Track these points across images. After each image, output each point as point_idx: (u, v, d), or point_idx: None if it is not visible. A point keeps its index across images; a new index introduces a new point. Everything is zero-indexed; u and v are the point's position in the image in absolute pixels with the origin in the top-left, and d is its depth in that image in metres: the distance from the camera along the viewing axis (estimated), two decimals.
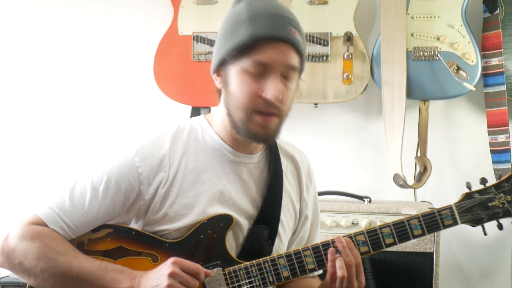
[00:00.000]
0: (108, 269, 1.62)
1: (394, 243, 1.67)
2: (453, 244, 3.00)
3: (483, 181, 1.70)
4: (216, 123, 1.73)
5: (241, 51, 1.59)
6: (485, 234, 1.71)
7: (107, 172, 1.66)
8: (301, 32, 1.64)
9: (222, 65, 1.65)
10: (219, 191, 1.70)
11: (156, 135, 1.71)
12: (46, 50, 3.28)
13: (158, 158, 1.67)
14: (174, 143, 1.70)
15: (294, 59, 1.61)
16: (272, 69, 1.59)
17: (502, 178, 1.69)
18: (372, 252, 1.67)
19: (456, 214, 1.67)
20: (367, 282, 2.57)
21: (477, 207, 1.68)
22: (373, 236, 1.67)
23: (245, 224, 1.73)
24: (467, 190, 1.70)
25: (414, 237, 1.67)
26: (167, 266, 1.57)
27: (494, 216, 1.68)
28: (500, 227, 1.70)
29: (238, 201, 1.72)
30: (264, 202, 1.75)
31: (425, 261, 2.59)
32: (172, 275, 1.55)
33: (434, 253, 2.58)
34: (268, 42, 1.58)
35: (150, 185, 1.66)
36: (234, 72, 1.62)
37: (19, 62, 3.30)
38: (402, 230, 1.67)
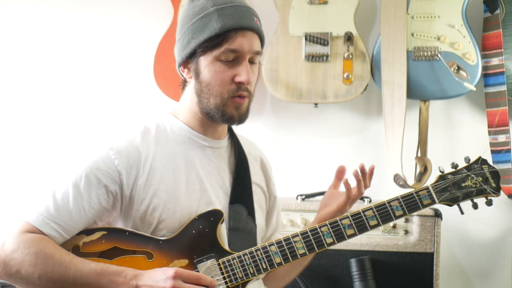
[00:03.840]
0: (103, 272, 1.64)
1: (378, 225, 1.78)
2: (453, 244, 3.00)
3: (454, 165, 1.83)
4: (182, 114, 1.83)
5: (213, 42, 1.71)
6: (462, 213, 1.82)
7: (85, 169, 1.71)
8: (260, 20, 1.79)
9: (191, 57, 1.76)
10: (196, 175, 1.77)
11: (125, 133, 1.78)
12: (46, 50, 3.28)
13: (132, 150, 1.73)
14: (144, 138, 1.77)
15: (259, 45, 1.78)
16: (242, 55, 1.74)
17: (471, 161, 1.83)
18: (358, 234, 1.77)
19: (433, 193, 1.79)
20: (367, 282, 2.57)
21: (451, 187, 1.80)
22: (358, 219, 1.78)
23: (224, 206, 1.80)
24: (440, 173, 1.82)
25: (396, 217, 1.79)
26: (168, 279, 1.61)
27: (468, 194, 1.80)
28: (475, 206, 1.81)
29: (214, 184, 1.80)
30: (234, 182, 1.84)
31: (425, 261, 2.59)
32: None
33: (434, 253, 2.59)
34: (237, 31, 1.72)
35: (128, 176, 1.71)
36: (206, 62, 1.74)
37: (18, 63, 3.30)
38: (384, 211, 1.78)
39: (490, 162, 2.83)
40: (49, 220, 1.67)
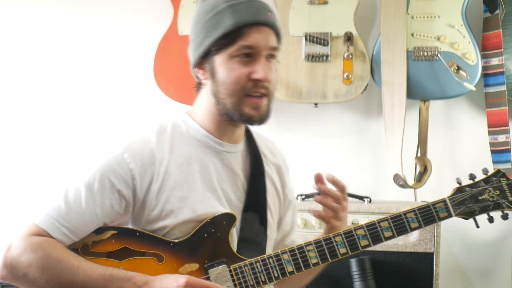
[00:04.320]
0: (113, 278, 1.60)
1: (392, 236, 1.74)
2: (453, 244, 3.00)
3: (472, 176, 1.78)
4: (199, 116, 1.76)
5: (228, 39, 1.65)
6: (477, 226, 1.77)
7: (99, 171, 1.66)
8: (276, 15, 1.73)
9: (205, 57, 1.70)
10: (210, 182, 1.72)
11: (140, 133, 1.73)
12: (46, 51, 3.28)
13: (147, 153, 1.68)
14: (160, 139, 1.71)
15: (275, 41, 1.70)
16: (258, 52, 1.67)
17: (489, 173, 1.78)
18: (372, 245, 1.73)
19: (450, 206, 1.75)
20: (367, 282, 2.57)
21: (469, 200, 1.76)
22: (373, 229, 1.73)
23: (237, 214, 1.75)
24: (458, 185, 1.78)
25: (412, 229, 1.74)
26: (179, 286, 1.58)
27: (485, 208, 1.76)
28: (490, 220, 1.77)
29: (228, 190, 1.75)
30: (249, 189, 1.78)
31: (425, 261, 2.59)
32: None
33: (434, 253, 2.59)
34: (251, 27, 1.65)
35: (142, 180, 1.66)
36: (221, 60, 1.68)
37: (19, 64, 3.30)
38: (399, 223, 1.74)
39: (490, 162, 2.85)
40: (59, 223, 1.62)
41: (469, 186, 1.77)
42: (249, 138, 1.85)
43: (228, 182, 1.76)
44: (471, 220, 1.77)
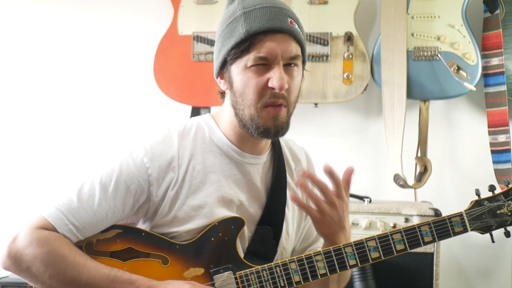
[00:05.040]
0: (117, 279, 1.59)
1: (405, 249, 1.66)
2: (453, 244, 3.00)
3: (492, 188, 1.70)
4: (223, 122, 1.72)
5: (241, 48, 1.59)
6: (493, 241, 1.70)
7: (116, 172, 1.63)
8: (298, 22, 1.65)
9: (224, 67, 1.65)
10: (227, 192, 1.69)
11: (163, 134, 1.69)
12: (47, 51, 3.28)
13: (167, 159, 1.65)
14: (181, 143, 1.67)
15: (295, 48, 1.62)
16: (274, 60, 1.59)
17: (510, 186, 1.70)
18: (383, 258, 1.66)
19: (467, 221, 1.67)
20: (367, 282, 2.57)
21: (486, 215, 1.68)
22: (384, 242, 1.66)
23: (251, 226, 1.72)
24: (476, 197, 1.70)
25: (425, 243, 1.67)
26: None
27: (503, 223, 1.68)
28: (507, 234, 1.70)
29: (245, 203, 1.71)
30: (268, 202, 1.74)
31: (425, 261, 2.59)
32: None
33: (435, 253, 2.58)
34: (266, 35, 1.59)
35: (159, 187, 1.64)
36: (237, 70, 1.62)
37: (20, 64, 3.30)
38: (413, 236, 1.66)
39: (490, 162, 2.85)
40: (68, 220, 1.60)
41: (488, 199, 1.69)
42: (276, 148, 1.79)
43: (247, 194, 1.72)
44: None
